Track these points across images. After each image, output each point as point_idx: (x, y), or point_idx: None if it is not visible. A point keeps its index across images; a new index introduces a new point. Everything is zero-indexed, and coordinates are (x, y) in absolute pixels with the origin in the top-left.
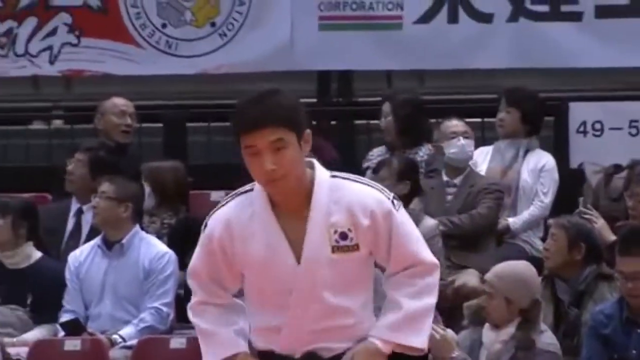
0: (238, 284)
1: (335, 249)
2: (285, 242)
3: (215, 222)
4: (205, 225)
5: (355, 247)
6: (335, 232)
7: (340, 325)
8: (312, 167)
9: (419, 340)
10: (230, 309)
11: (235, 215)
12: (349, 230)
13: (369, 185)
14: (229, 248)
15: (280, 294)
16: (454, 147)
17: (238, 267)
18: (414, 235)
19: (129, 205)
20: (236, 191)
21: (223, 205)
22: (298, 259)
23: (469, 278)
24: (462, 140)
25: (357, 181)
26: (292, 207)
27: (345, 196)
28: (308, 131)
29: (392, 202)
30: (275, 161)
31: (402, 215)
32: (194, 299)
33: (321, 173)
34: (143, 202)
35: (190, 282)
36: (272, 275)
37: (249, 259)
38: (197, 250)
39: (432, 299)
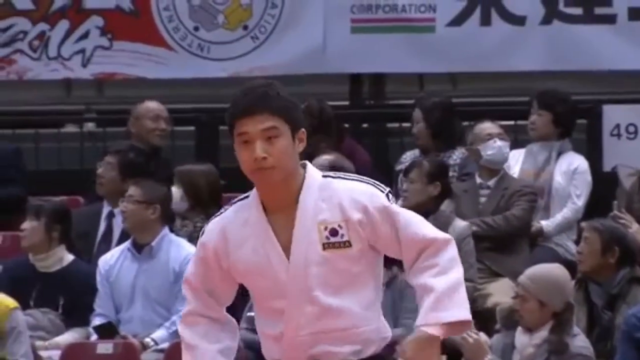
0: (230, 295)
1: (326, 245)
2: (276, 244)
3: (211, 230)
4: (202, 233)
5: (347, 244)
6: (326, 228)
7: (339, 327)
8: (304, 167)
9: (462, 313)
10: (220, 326)
11: (230, 222)
12: (339, 226)
13: (361, 181)
14: (224, 255)
15: (276, 299)
16: (491, 149)
17: (233, 275)
18: (416, 220)
19: (157, 207)
20: (234, 200)
21: (221, 213)
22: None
23: (501, 298)
24: (498, 142)
25: (349, 178)
26: (282, 207)
27: (336, 193)
28: (303, 130)
29: (387, 195)
30: (266, 150)
31: (397, 206)
32: (186, 309)
33: (312, 173)
34: (171, 204)
35: (185, 291)
36: (266, 280)
37: (243, 266)
38: (193, 259)
39: (458, 271)
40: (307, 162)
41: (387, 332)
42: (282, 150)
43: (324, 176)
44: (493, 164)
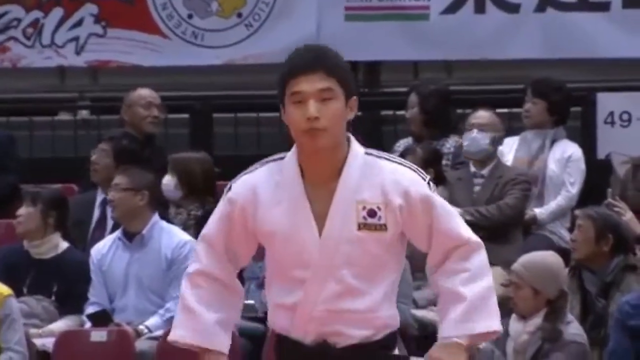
0: (247, 258)
1: (362, 225)
2: (309, 213)
3: (240, 186)
4: (229, 189)
5: (383, 227)
6: (364, 208)
7: (356, 309)
8: (349, 140)
9: (493, 323)
10: (226, 291)
11: (262, 182)
12: (378, 208)
13: (404, 165)
14: (251, 214)
15: (298, 268)
16: (467, 140)
17: (257, 236)
18: (455, 215)
19: (145, 193)
20: (267, 158)
21: (251, 171)
22: (321, 233)
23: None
24: (475, 133)
25: (393, 160)
26: (322, 178)
27: (379, 173)
28: (355, 98)
29: (428, 184)
30: (319, 110)
31: (438, 197)
32: (194, 266)
33: (356, 148)
34: (159, 190)
35: (200, 247)
36: (292, 247)
37: (270, 228)
38: (215, 215)
39: (489, 279)
40: (351, 135)
41: (397, 322)
42: (335, 113)
43: (367, 153)
44: (469, 155)
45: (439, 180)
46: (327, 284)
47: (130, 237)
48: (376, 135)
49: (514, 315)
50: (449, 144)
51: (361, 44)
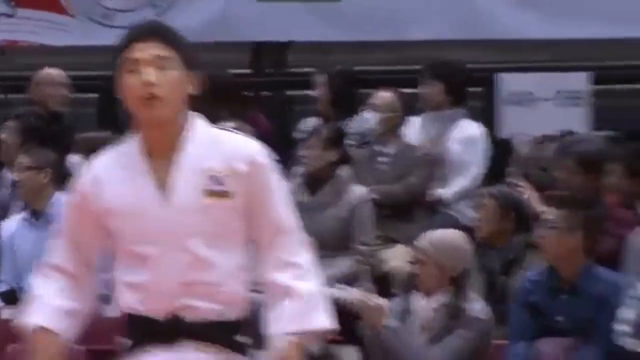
0: (95, 248)
1: (208, 193)
2: (151, 186)
3: (82, 173)
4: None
5: (229, 194)
6: (209, 176)
7: (207, 281)
8: (193, 117)
9: (327, 321)
10: (77, 285)
11: (102, 163)
12: (224, 175)
13: (253, 140)
14: (93, 197)
15: (143, 243)
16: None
17: (102, 218)
18: (288, 203)
19: (47, 171)
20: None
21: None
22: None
23: (398, 264)
24: (364, 114)
25: (241, 135)
26: (163, 149)
27: (224, 143)
28: (199, 76)
29: (274, 163)
30: (157, 77)
31: (280, 179)
32: (46, 259)
33: (200, 121)
34: (62, 168)
35: (55, 240)
36: (135, 222)
37: (112, 206)
38: (66, 206)
39: (319, 276)
40: (197, 114)
41: (248, 302)
42: (173, 81)
43: (212, 127)
44: (360, 135)
45: (344, 159)
46: (175, 256)
47: (37, 215)
48: (284, 115)
49: (418, 292)
50: (354, 124)
51: (270, 24)
